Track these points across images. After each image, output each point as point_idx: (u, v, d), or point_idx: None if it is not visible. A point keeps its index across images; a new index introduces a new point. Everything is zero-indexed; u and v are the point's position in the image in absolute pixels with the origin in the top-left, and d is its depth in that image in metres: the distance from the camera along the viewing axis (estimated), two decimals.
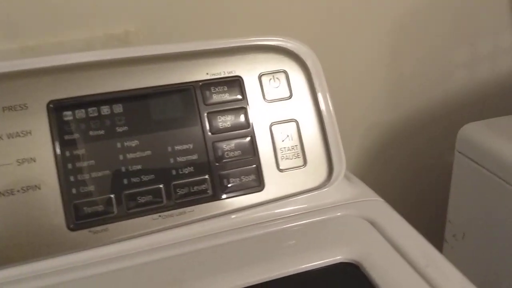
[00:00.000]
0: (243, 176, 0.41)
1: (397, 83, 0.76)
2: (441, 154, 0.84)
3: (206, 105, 0.41)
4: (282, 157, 0.42)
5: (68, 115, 0.38)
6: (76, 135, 0.38)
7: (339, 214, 0.40)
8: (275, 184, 0.42)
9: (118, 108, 0.39)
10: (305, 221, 0.39)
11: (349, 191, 0.42)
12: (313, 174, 0.42)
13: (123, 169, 0.38)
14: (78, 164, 0.37)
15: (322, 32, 0.67)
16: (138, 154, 0.39)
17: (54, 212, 0.36)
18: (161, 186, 0.39)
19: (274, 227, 0.40)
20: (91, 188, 0.37)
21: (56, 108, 0.37)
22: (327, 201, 0.41)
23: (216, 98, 0.41)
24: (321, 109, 0.43)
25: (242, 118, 0.42)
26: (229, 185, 0.41)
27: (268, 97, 0.43)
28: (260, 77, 0.43)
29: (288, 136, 0.43)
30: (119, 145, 0.38)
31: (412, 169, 0.84)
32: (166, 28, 0.60)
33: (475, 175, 0.60)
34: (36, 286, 0.35)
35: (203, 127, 0.41)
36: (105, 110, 0.39)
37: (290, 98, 0.43)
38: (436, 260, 0.34)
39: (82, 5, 0.56)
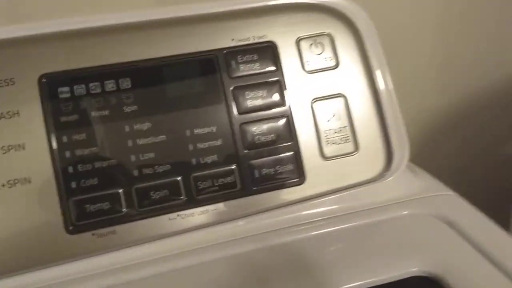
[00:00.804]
0: (278, 166, 0.34)
1: (450, 64, 0.66)
2: (498, 141, 0.74)
3: (232, 78, 0.34)
4: (327, 142, 0.35)
5: (64, 91, 0.31)
6: (74, 117, 0.31)
7: (404, 212, 0.32)
8: (319, 175, 0.34)
9: (126, 83, 0.32)
10: (360, 222, 0.31)
11: (413, 184, 0.34)
12: (367, 162, 0.34)
13: (132, 158, 0.32)
14: (77, 152, 0.31)
15: None
16: (151, 140, 0.32)
17: (49, 212, 0.30)
18: (178, 178, 0.32)
19: (319, 229, 0.33)
20: (94, 181, 0.31)
21: (49, 83, 0.31)
22: (386, 197, 0.33)
23: (243, 69, 0.34)
24: (376, 81, 0.35)
25: (276, 94, 0.34)
26: (262, 178, 0.33)
27: (308, 67, 0.35)
28: (298, 42, 0.35)
29: (334, 115, 0.35)
30: (127, 128, 0.32)
31: (466, 157, 0.75)
32: None
33: None
34: None
35: (228, 106, 0.33)
36: (110, 85, 0.32)
37: (336, 67, 0.35)
38: None
39: None
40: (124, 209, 0.31)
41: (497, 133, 0.72)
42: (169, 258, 0.31)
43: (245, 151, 0.33)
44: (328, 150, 0.35)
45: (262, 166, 0.33)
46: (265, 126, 0.34)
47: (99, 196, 0.31)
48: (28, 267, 0.29)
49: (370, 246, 0.29)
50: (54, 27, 0.32)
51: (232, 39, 0.34)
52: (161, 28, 0.33)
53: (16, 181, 0.30)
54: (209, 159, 0.33)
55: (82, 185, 0.31)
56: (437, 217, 0.30)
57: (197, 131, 0.33)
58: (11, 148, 0.30)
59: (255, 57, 0.34)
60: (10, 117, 0.30)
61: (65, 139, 0.31)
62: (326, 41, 0.35)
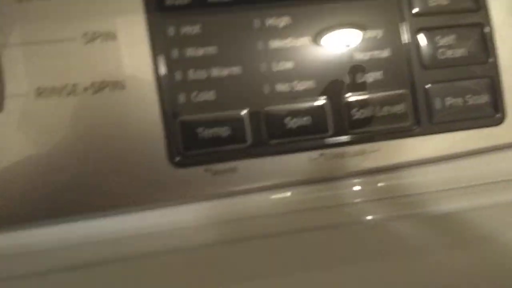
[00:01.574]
0: (468, 96, 0.23)
1: None
2: None
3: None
4: None
5: None
6: (184, 0, 0.22)
7: None
8: None
9: None
10: None
11: None
12: None
13: (263, 67, 0.22)
14: (189, 51, 0.21)
15: None
16: (289, 43, 0.22)
17: (147, 133, 0.21)
18: (325, 101, 0.22)
19: None
20: (210, 95, 0.22)
21: None
22: None
23: (433, 4, 0.23)
24: None
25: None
26: (444, 110, 0.23)
27: None
28: None
29: None
30: (257, 23, 0.22)
31: None
32: None
33: None
34: (110, 257, 0.21)
35: (400, 0, 0.23)
36: None
37: None
38: None
39: None
40: (248, 139, 0.22)
41: None
42: (307, 214, 0.22)
43: (423, 70, 0.23)
44: None
45: (446, 94, 0.23)
46: (452, 37, 0.23)
47: (217, 117, 0.21)
48: (116, 207, 0.21)
49: None
50: None
51: None
52: None
53: (103, 84, 0.21)
54: (370, 77, 0.23)
55: (194, 100, 0.21)
56: None
57: (354, 34, 0.23)
58: (97, 36, 0.21)
59: None
60: None
61: (171, 31, 0.21)
62: None
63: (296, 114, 0.22)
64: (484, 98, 0.23)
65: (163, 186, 0.21)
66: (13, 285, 0.20)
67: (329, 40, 0.22)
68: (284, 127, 0.22)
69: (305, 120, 0.22)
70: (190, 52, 0.21)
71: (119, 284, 0.21)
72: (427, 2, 0.23)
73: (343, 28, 0.22)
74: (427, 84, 0.23)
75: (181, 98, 0.21)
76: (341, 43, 0.22)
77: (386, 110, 0.23)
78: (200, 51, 0.21)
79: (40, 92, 0.20)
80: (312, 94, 0.22)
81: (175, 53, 0.21)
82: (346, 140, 0.22)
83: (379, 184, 0.22)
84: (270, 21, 0.22)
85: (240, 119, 0.22)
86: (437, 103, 0.23)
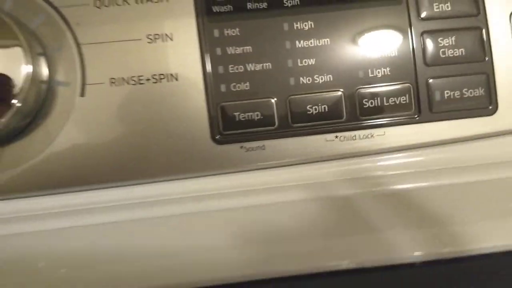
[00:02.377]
0: (465, 89, 0.27)
1: None
2: None
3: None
4: None
5: None
6: (228, 7, 0.27)
7: None
8: None
9: None
10: None
11: None
12: None
13: (289, 63, 0.27)
14: (230, 50, 0.27)
15: None
16: (312, 42, 0.27)
17: (195, 115, 0.26)
18: (340, 93, 0.27)
19: None
20: (246, 86, 0.27)
21: None
22: None
23: (438, 9, 0.27)
24: None
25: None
26: (443, 101, 0.27)
27: None
28: None
29: None
30: (286, 26, 0.27)
31: None
32: None
33: None
34: (167, 214, 0.27)
35: (408, 7, 0.27)
36: None
37: None
38: None
39: None
40: (276, 122, 0.27)
41: None
42: (324, 185, 0.27)
43: (425, 66, 0.27)
44: None
45: (445, 87, 0.27)
46: (452, 37, 0.27)
47: (250, 103, 0.26)
48: (167, 174, 0.26)
49: None
50: None
51: None
52: None
53: (161, 76, 0.26)
54: (379, 72, 0.27)
55: (233, 89, 0.26)
56: None
57: (367, 36, 0.27)
58: (158, 38, 0.26)
59: None
60: (158, 2, 0.26)
61: (216, 33, 0.26)
62: None
63: (316, 103, 0.27)
64: (479, 92, 0.27)
65: (206, 159, 0.26)
66: (87, 231, 0.26)
67: (346, 40, 0.27)
68: (306, 113, 0.27)
69: (323, 108, 0.27)
70: (231, 50, 0.26)
71: (176, 235, 0.26)
72: (432, 8, 0.27)
73: (358, 30, 0.27)
74: (429, 78, 0.27)
75: (222, 88, 0.26)
76: (356, 43, 0.27)
77: (391, 100, 0.27)
78: (239, 50, 0.26)
79: (113, 82, 0.26)
80: (330, 86, 0.27)
81: (218, 51, 0.26)
82: (357, 125, 0.27)
83: (383, 163, 0.27)
84: (297, 25, 0.27)
85: (270, 106, 0.27)
86: (437, 95, 0.27)
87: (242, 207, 0.26)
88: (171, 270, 0.26)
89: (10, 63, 0.24)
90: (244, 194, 0.26)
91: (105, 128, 0.26)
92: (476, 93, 0.27)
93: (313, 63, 0.27)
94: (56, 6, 0.26)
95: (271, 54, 0.27)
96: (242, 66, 0.26)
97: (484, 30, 0.27)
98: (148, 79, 0.26)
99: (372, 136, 0.27)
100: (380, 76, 0.27)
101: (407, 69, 0.27)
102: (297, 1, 0.27)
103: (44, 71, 0.25)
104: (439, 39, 0.27)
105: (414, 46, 0.27)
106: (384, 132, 0.27)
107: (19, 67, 0.24)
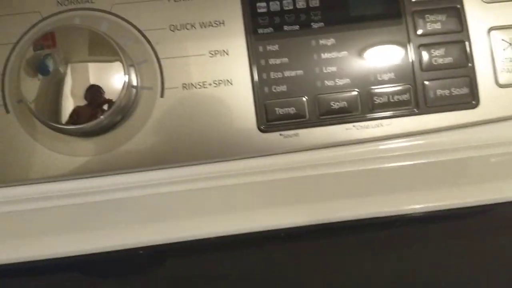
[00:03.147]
0: (453, 88, 0.36)
1: None
2: None
3: (413, 2, 0.36)
4: (502, 70, 0.36)
5: (262, 7, 0.35)
6: (269, 29, 0.35)
7: None
8: (493, 101, 0.36)
9: (314, 2, 0.36)
10: None
11: None
12: None
13: (317, 70, 0.35)
14: (271, 61, 0.35)
15: None
16: (334, 55, 0.35)
17: (245, 111, 0.35)
18: (357, 92, 0.35)
19: (490, 151, 0.34)
20: (283, 88, 0.35)
21: None
22: None
23: (432, 28, 0.36)
24: None
25: (454, 19, 0.36)
26: (436, 98, 0.35)
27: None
28: None
29: (509, 44, 0.36)
30: (313, 43, 0.35)
31: None
32: None
33: None
34: (226, 184, 0.35)
35: (408, 27, 0.36)
36: (300, 3, 0.36)
37: None
38: None
39: None
40: (307, 115, 0.35)
41: None
42: (345, 164, 0.35)
43: (422, 71, 0.35)
44: (503, 78, 0.36)
45: (436, 87, 0.35)
46: (442, 49, 0.36)
47: (287, 101, 0.35)
48: (225, 156, 0.35)
49: None
50: None
51: None
52: None
53: (220, 81, 0.35)
54: (386, 76, 0.35)
55: (274, 90, 0.35)
56: None
57: (377, 49, 0.35)
58: (217, 53, 0.35)
59: (444, 16, 0.36)
60: (217, 26, 0.35)
61: (261, 48, 0.35)
62: None
63: (338, 100, 0.35)
64: (464, 91, 0.35)
65: (253, 145, 0.34)
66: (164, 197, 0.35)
67: (360, 52, 0.35)
68: (330, 108, 0.35)
69: (343, 103, 0.35)
70: (272, 61, 0.35)
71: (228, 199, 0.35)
72: (426, 27, 0.35)
73: (369, 44, 0.35)
74: (425, 81, 0.35)
75: (266, 90, 0.35)
76: (368, 55, 0.35)
77: (396, 97, 0.35)
78: (278, 61, 0.35)
79: (184, 86, 0.34)
80: (348, 87, 0.35)
81: (263, 62, 0.35)
82: (369, 117, 0.35)
83: (390, 146, 0.35)
84: (322, 42, 0.35)
85: (302, 103, 0.35)
86: (431, 94, 0.35)
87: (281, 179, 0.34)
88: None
89: (111, 73, 0.33)
90: (283, 170, 0.35)
91: (178, 121, 0.34)
92: (462, 92, 0.35)
93: (335, 70, 0.35)
94: (141, 29, 0.35)
95: (302, 63, 0.35)
96: (280, 73, 0.35)
97: (467, 43, 0.36)
98: (210, 84, 0.35)
99: (381, 125, 0.36)
100: (387, 79, 0.35)
101: (407, 73, 0.35)
102: (321, 24, 0.35)
103: (134, 79, 0.34)
104: (432, 51, 0.35)
105: (413, 56, 0.35)
106: (391, 122, 0.36)
107: (118, 76, 0.33)
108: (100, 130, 0.34)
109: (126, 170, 0.35)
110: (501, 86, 0.36)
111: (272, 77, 0.35)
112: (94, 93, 0.32)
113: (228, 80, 0.35)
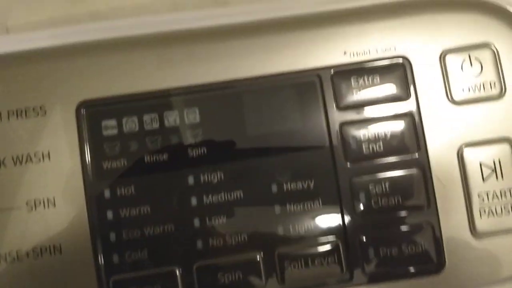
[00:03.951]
0: (404, 244, 0.24)
1: None
2: None
3: (340, 109, 0.24)
4: (482, 211, 0.24)
5: (109, 126, 0.24)
6: (121, 162, 0.23)
7: None
8: (466, 260, 0.23)
9: (192, 116, 0.24)
10: None
11: None
12: None
13: (196, 222, 0.23)
14: (123, 212, 0.23)
15: None
16: (222, 197, 0.23)
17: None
18: (258, 256, 0.23)
19: None
20: (144, 254, 0.23)
21: (90, 115, 0.23)
22: None
23: (359, 97, 0.24)
24: None
25: (407, 134, 0.24)
26: (379, 259, 0.23)
27: (457, 95, 0.24)
28: (442, 58, 0.24)
29: (493, 170, 0.24)
30: (191, 180, 0.23)
31: None
32: None
33: None
34: None
35: (333, 151, 0.24)
36: (171, 118, 0.24)
37: (501, 97, 0.24)
38: None
39: None
40: None
41: None
42: None
43: (356, 219, 0.23)
44: (482, 224, 0.24)
45: (380, 244, 0.23)
46: (386, 183, 0.24)
47: (149, 276, 0.23)
48: None
49: None
50: (97, 32, 0.24)
51: (344, 52, 0.24)
52: (238, 37, 0.24)
53: (44, 249, 0.23)
54: (301, 228, 0.23)
55: (127, 259, 0.23)
56: None
57: (288, 187, 0.24)
58: (39, 204, 0.23)
59: (377, 79, 0.24)
60: (39, 161, 0.23)
61: (107, 193, 0.23)
62: (486, 57, 0.24)
63: (229, 270, 0.23)
64: (421, 246, 0.23)
65: None
66: None
67: (261, 190, 0.23)
68: (217, 282, 0.23)
69: (238, 274, 0.23)
70: (125, 211, 0.23)
71: None
72: (362, 150, 0.24)
73: (275, 181, 0.23)
74: (361, 234, 0.23)
75: (115, 258, 0.23)
76: (273, 196, 0.23)
77: (318, 261, 0.23)
78: (135, 210, 0.23)
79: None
80: (245, 248, 0.23)
81: (109, 214, 0.23)
82: None
83: None
84: (204, 177, 0.23)
85: (172, 276, 0.23)
86: (371, 253, 0.23)
87: None
88: None
89: None
90: None
91: None
92: (418, 248, 0.23)
93: (224, 221, 0.23)
94: None
95: (173, 213, 0.23)
96: (138, 230, 0.23)
97: (426, 170, 0.24)
98: (27, 254, 0.23)
99: None
100: (303, 233, 0.23)
101: (335, 223, 0.23)
102: (203, 150, 0.23)
103: None
104: (370, 187, 0.23)
105: (342, 197, 0.23)
106: None
107: None
108: None
109: None
110: (479, 235, 0.23)
111: (125, 237, 0.23)
112: None
113: (54, 246, 0.23)
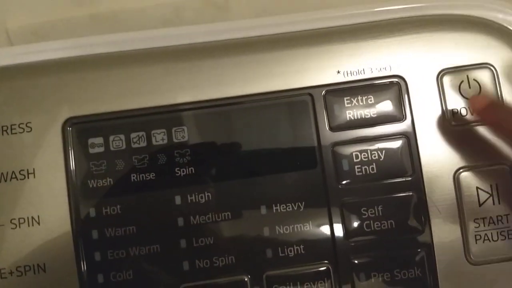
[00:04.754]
0: (397, 270, 0.23)
1: None
2: None
3: (333, 130, 0.23)
4: (479, 236, 0.23)
5: (96, 144, 0.23)
6: (106, 180, 0.23)
7: None
8: (460, 287, 0.23)
9: (180, 135, 0.23)
10: None
11: None
12: None
13: (182, 243, 0.23)
14: (108, 232, 0.23)
15: None
16: (210, 218, 0.23)
17: None
18: (246, 278, 0.23)
19: None
20: (129, 275, 0.23)
21: (77, 131, 0.23)
22: None
23: (352, 117, 0.23)
24: None
25: (402, 157, 0.23)
26: (370, 286, 0.23)
27: (456, 118, 0.23)
28: (440, 78, 0.24)
29: (491, 196, 0.23)
30: (178, 200, 0.23)
31: None
32: None
33: None
34: None
35: (325, 171, 0.23)
36: (158, 137, 0.23)
37: None
38: None
39: None
40: None
41: None
42: None
43: (347, 243, 0.23)
44: (477, 250, 0.23)
45: (371, 267, 0.23)
46: (379, 207, 0.23)
47: None
48: None
49: None
50: (86, 47, 0.24)
51: (338, 71, 0.24)
52: (229, 54, 0.24)
53: (27, 268, 0.23)
54: (291, 250, 0.23)
55: (112, 279, 0.23)
56: None
57: (277, 208, 0.23)
58: (23, 222, 0.23)
59: (371, 99, 0.23)
60: (24, 178, 0.23)
61: (92, 212, 0.23)
62: (485, 77, 0.23)
63: None
64: (414, 272, 0.23)
65: None
66: None
67: (250, 212, 0.23)
68: None
69: None
70: (110, 231, 0.23)
71: None
72: (353, 170, 0.23)
73: (264, 202, 0.23)
74: (352, 258, 0.23)
75: (100, 278, 0.23)
76: (262, 218, 0.23)
77: (307, 286, 0.23)
78: (120, 231, 0.23)
79: None
80: (232, 270, 0.23)
81: (95, 233, 0.23)
82: None
83: None
84: (192, 198, 0.23)
85: None
86: (362, 278, 0.23)
87: None
88: None
89: None
90: None
91: None
92: (411, 274, 0.23)
93: (212, 242, 0.23)
94: None
95: (159, 234, 0.23)
96: (123, 251, 0.23)
97: (423, 198, 0.23)
98: (10, 272, 0.22)
99: None
100: (292, 255, 0.23)
101: (326, 246, 0.23)
102: (191, 169, 0.23)
103: None
104: (362, 211, 0.23)
105: (332, 220, 0.23)
106: None
107: None
108: None
109: None
110: (474, 263, 0.23)
111: (111, 258, 0.23)
112: None
113: (38, 265, 0.23)
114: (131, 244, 0.23)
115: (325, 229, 0.23)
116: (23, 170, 0.23)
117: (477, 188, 0.23)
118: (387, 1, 0.25)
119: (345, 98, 0.23)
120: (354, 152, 0.23)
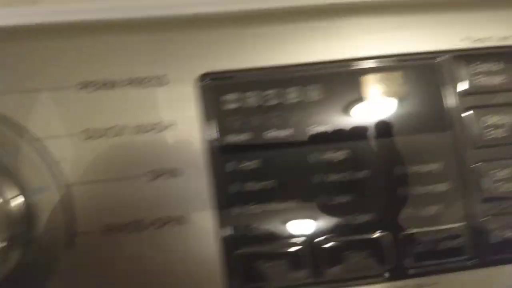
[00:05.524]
0: None
1: None
2: None
3: (462, 96, 0.24)
4: None
5: (229, 100, 0.23)
6: (244, 135, 0.23)
7: None
8: None
9: (315, 93, 0.24)
10: None
11: None
12: None
13: (321, 199, 0.23)
14: (247, 186, 0.23)
15: None
16: (346, 176, 0.23)
17: (207, 265, 0.22)
18: (383, 235, 0.23)
19: None
20: (267, 229, 0.23)
21: (212, 87, 0.23)
22: None
23: (481, 84, 0.24)
24: None
25: None
26: (503, 243, 0.23)
27: None
28: None
29: None
30: (312, 158, 0.23)
31: None
32: None
33: None
34: None
35: (457, 136, 0.24)
36: (292, 95, 0.24)
37: None
38: None
39: None
40: (306, 271, 0.22)
41: None
42: None
43: (482, 203, 0.24)
44: None
45: (505, 226, 0.23)
46: (507, 171, 0.24)
47: (273, 252, 0.22)
48: None
49: None
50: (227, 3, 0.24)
51: (463, 38, 0.25)
52: (362, 16, 0.24)
53: (169, 218, 0.22)
54: (425, 211, 0.23)
55: (249, 233, 0.22)
56: None
57: (412, 168, 0.23)
58: (161, 174, 0.22)
59: (500, 65, 0.24)
60: (161, 131, 0.23)
61: (229, 167, 0.23)
62: None
63: (354, 249, 0.23)
64: None
65: None
66: None
67: (386, 171, 0.23)
68: (342, 261, 0.23)
69: (363, 254, 0.23)
70: (249, 186, 0.23)
71: None
72: (484, 135, 0.24)
73: (402, 162, 0.23)
74: (485, 217, 0.23)
75: (238, 232, 0.22)
76: (399, 177, 0.23)
77: (442, 244, 0.23)
78: (258, 185, 0.23)
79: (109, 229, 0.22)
80: (369, 228, 0.23)
81: (233, 187, 0.23)
82: (403, 273, 0.23)
83: None
84: (326, 156, 0.23)
85: (297, 253, 0.22)
86: (496, 237, 0.23)
87: None
88: None
89: None
90: None
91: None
92: None
93: (349, 199, 0.23)
94: None
95: (293, 191, 0.23)
96: (261, 205, 0.23)
97: None
98: (149, 224, 0.22)
99: (421, 286, 0.23)
100: (427, 216, 0.23)
101: (461, 206, 0.23)
102: (325, 128, 0.23)
103: None
104: (495, 171, 0.23)
105: (468, 181, 0.23)
106: (438, 281, 0.23)
107: None
108: None
109: None
110: None
111: (248, 212, 0.23)
112: None
113: (180, 217, 0.23)
114: (268, 198, 0.23)
115: (461, 190, 0.24)
116: (159, 122, 0.23)
117: None
118: None
119: (472, 63, 0.24)
120: (478, 106, 0.24)
